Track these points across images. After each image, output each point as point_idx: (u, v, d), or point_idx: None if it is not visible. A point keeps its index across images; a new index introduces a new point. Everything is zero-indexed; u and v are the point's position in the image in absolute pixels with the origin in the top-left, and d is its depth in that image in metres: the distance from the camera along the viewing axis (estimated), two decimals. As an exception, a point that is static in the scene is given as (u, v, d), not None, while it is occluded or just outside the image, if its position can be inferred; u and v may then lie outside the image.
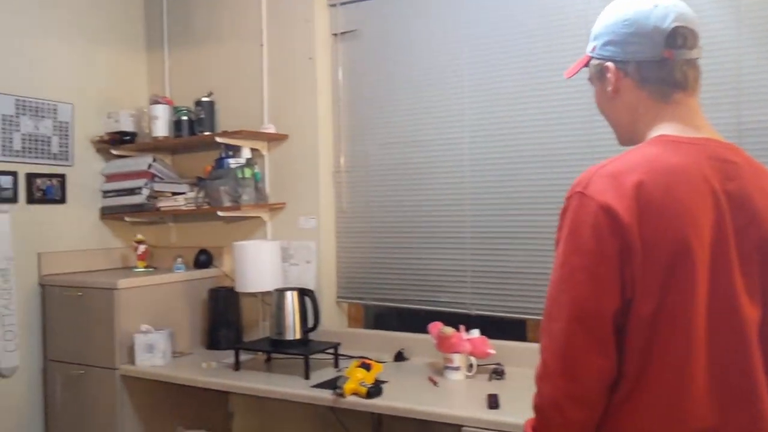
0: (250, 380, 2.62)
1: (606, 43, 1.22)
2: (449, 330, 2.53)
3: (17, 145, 3.14)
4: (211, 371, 2.79)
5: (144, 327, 2.93)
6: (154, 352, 2.88)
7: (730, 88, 2.33)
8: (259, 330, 3.24)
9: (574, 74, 1.32)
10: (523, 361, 2.65)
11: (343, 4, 3.19)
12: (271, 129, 3.21)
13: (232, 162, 3.14)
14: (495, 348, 2.59)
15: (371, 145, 3.13)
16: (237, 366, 2.77)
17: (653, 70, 1.17)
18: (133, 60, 3.68)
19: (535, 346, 2.64)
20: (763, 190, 1.13)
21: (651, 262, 1.03)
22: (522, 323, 2.85)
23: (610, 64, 1.22)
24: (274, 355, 2.91)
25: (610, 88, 1.23)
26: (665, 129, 1.17)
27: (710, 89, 2.19)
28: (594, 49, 1.25)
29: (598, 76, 1.25)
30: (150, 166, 3.35)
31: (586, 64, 1.29)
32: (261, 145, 3.28)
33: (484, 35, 2.83)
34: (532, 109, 2.73)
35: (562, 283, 1.10)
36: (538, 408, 1.14)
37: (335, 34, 3.22)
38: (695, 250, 1.04)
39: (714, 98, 2.31)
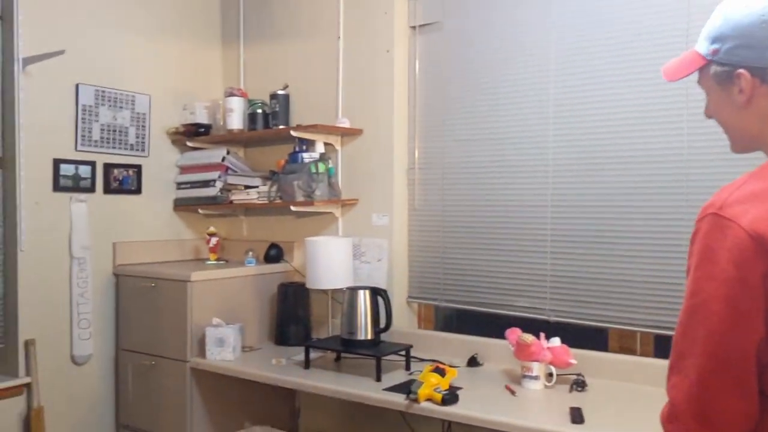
0: (321, 379, 2.57)
1: (737, 47, 1.08)
2: (529, 337, 2.42)
3: (96, 135, 3.18)
4: (281, 368, 2.75)
5: (215, 320, 2.91)
6: (224, 346, 2.86)
7: None
8: (328, 327, 3.20)
9: (680, 78, 1.19)
10: (604, 372, 2.53)
11: (422, -5, 3.10)
12: (345, 123, 3.16)
13: (306, 156, 3.10)
14: (576, 357, 2.46)
15: (448, 141, 3.03)
16: (307, 364, 2.72)
17: None
18: (209, 53, 3.68)
19: (617, 357, 2.53)
20: None
21: None
22: (603, 332, 2.71)
23: (743, 70, 1.08)
24: (343, 355, 2.85)
25: (742, 97, 1.10)
26: None
27: None
28: (716, 52, 1.11)
29: (724, 82, 1.12)
30: (224, 158, 3.34)
31: (700, 68, 1.16)
32: (335, 140, 3.23)
33: (574, 26, 2.69)
34: (622, 106, 2.58)
35: (694, 314, 1.00)
36: None
37: (414, 27, 3.13)
38: None
39: None
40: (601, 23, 2.62)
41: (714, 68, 1.13)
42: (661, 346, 2.57)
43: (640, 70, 2.53)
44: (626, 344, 2.66)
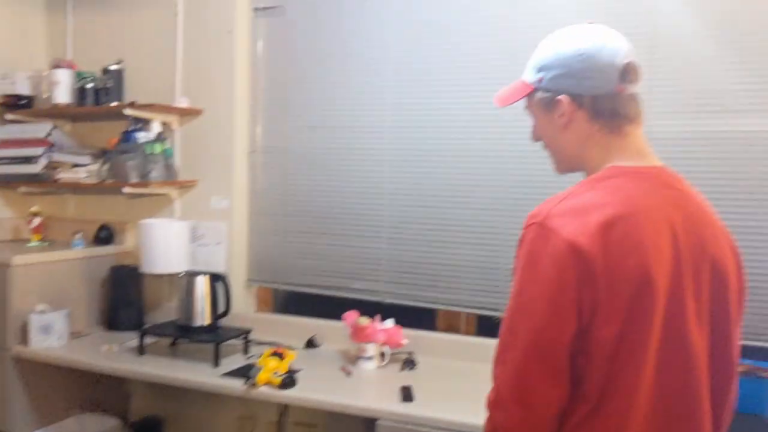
0: (156, 366, 2.53)
1: (557, 76, 1.22)
2: (365, 320, 2.54)
3: None
4: (112, 355, 2.67)
5: (40, 307, 2.76)
6: (50, 333, 2.73)
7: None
8: (163, 311, 3.13)
9: (510, 104, 1.31)
10: (433, 350, 2.71)
11: (266, -22, 3.08)
12: (184, 103, 3.08)
13: (141, 136, 2.98)
14: (407, 337, 2.62)
15: (291, 126, 3.06)
16: (141, 350, 2.66)
17: (607, 104, 1.19)
18: (31, 18, 3.40)
19: (444, 336, 2.72)
20: (706, 218, 1.19)
21: (615, 291, 1.07)
22: (432, 312, 2.90)
23: (563, 97, 1.22)
24: (181, 341, 2.82)
25: (562, 121, 1.23)
26: (618, 160, 1.20)
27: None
28: (541, 80, 1.24)
29: (547, 106, 1.25)
30: (49, 134, 3.13)
31: (527, 95, 1.28)
32: (172, 119, 3.14)
33: (412, 17, 2.80)
34: (453, 103, 2.75)
35: (519, 311, 1.11)
36: None
37: (256, 9, 3.10)
38: (656, 278, 1.08)
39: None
40: (436, 27, 2.76)
41: (539, 94, 1.26)
42: (482, 326, 2.80)
43: (469, 72, 2.71)
44: (452, 324, 2.87)
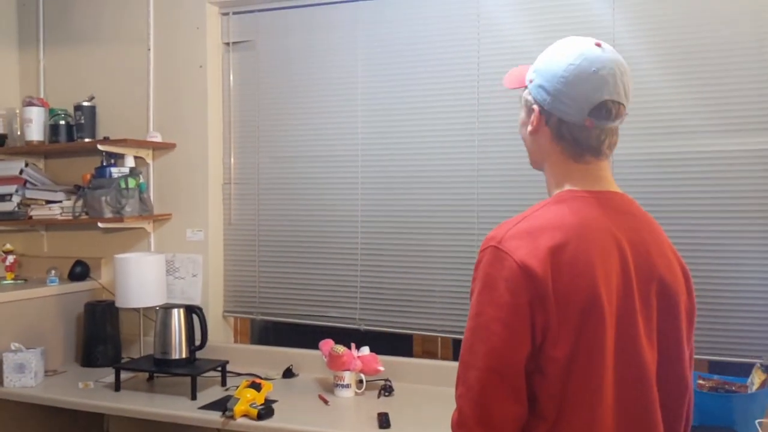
0: (133, 402, 2.52)
1: (540, 86, 1.24)
2: (341, 348, 2.56)
3: None
4: (88, 391, 2.66)
5: (14, 345, 2.74)
6: (24, 372, 2.70)
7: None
8: (140, 346, 3.12)
9: (512, 88, 1.34)
10: (409, 376, 2.73)
11: (236, 13, 3.13)
12: (157, 137, 3.10)
13: (115, 171, 3.00)
14: (384, 364, 2.64)
15: (263, 157, 3.09)
16: (117, 386, 2.65)
17: (571, 131, 1.22)
18: (3, 56, 3.42)
19: (420, 361, 2.74)
20: (657, 241, 1.23)
21: (565, 311, 1.10)
22: (408, 338, 2.93)
23: (536, 107, 1.25)
24: (158, 375, 2.81)
25: (530, 127, 1.28)
26: (575, 184, 1.23)
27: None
28: (531, 81, 1.27)
29: (526, 108, 1.29)
30: (22, 171, 3.14)
31: (525, 87, 1.31)
32: (146, 154, 3.16)
33: (380, 55, 2.87)
34: (422, 131, 2.81)
35: (477, 332, 1.14)
36: None
37: (227, 43, 3.15)
38: (604, 300, 1.11)
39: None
40: (404, 59, 2.83)
41: (525, 93, 1.30)
42: (458, 350, 2.82)
43: (437, 101, 2.77)
44: (428, 348, 2.89)
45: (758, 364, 2.25)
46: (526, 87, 1.29)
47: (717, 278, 2.40)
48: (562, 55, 1.22)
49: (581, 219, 1.16)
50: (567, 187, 1.24)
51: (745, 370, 2.29)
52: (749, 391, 2.18)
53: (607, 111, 1.19)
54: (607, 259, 1.14)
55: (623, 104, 1.21)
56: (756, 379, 2.19)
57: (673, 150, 2.46)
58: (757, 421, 2.11)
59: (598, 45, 1.22)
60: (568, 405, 1.12)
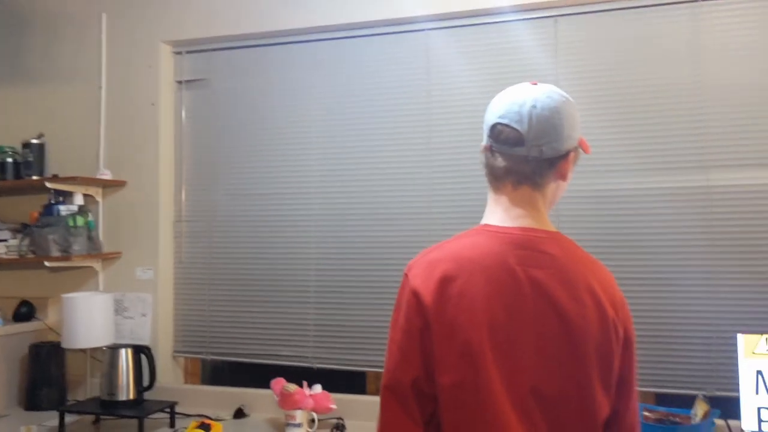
0: (77, 446, 2.46)
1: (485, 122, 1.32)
2: (292, 387, 2.53)
3: None
4: (31, 436, 2.58)
5: (-48, 389, 2.65)
6: (-37, 417, 2.61)
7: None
8: (87, 388, 3.04)
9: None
10: (363, 413, 2.71)
11: (189, 52, 3.15)
12: (107, 175, 3.08)
13: (63, 209, 2.96)
14: (336, 402, 2.62)
15: (216, 195, 3.09)
16: (62, 429, 2.58)
17: (486, 157, 1.29)
18: (-50, 92, 3.37)
19: (374, 399, 2.73)
20: (568, 280, 1.21)
21: (448, 342, 1.15)
22: (362, 375, 2.92)
23: (484, 144, 1.31)
24: (104, 417, 2.74)
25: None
26: (491, 218, 1.28)
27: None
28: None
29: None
30: (-34, 209, 3.07)
31: None
32: (95, 191, 3.13)
33: (335, 96, 2.92)
34: (376, 171, 2.85)
35: (386, 352, 1.23)
36: None
37: (180, 81, 3.17)
38: (487, 333, 1.15)
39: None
40: (357, 98, 2.88)
41: None
42: (411, 386, 2.82)
43: (389, 139, 2.82)
44: (382, 386, 2.88)
45: (701, 396, 2.31)
46: None
47: (658, 312, 2.46)
48: (497, 98, 1.31)
49: (478, 254, 1.20)
50: (485, 222, 1.29)
51: (687, 402, 2.35)
52: (692, 422, 2.23)
53: (497, 132, 1.25)
54: (498, 294, 1.17)
55: (519, 131, 1.22)
56: (699, 410, 2.25)
57: (611, 187, 2.55)
58: (700, 451, 2.15)
59: (534, 84, 1.28)
60: (464, 428, 1.15)
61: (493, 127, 1.26)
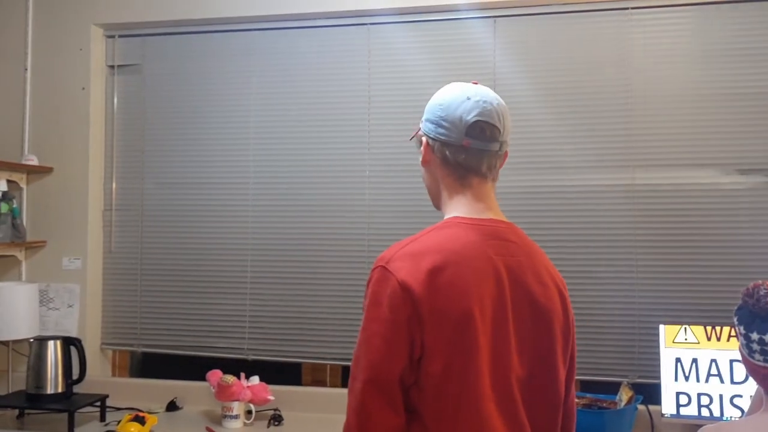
0: (2, 441, 2.36)
1: (426, 120, 1.36)
2: (230, 378, 2.52)
3: None
4: (-51, 433, 2.46)
5: None
6: None
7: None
8: (8, 383, 2.91)
9: (411, 138, 1.45)
10: (299, 404, 2.72)
11: (122, 36, 3.06)
12: (33, 161, 2.95)
13: (-15, 195, 2.82)
14: (273, 393, 2.62)
15: (148, 183, 3.02)
16: (-17, 425, 2.47)
17: (454, 153, 1.32)
18: None
19: (310, 390, 2.75)
20: (532, 266, 1.32)
21: (439, 328, 1.18)
22: (298, 367, 2.92)
23: (424, 138, 1.36)
24: (30, 411, 2.64)
25: (423, 159, 1.38)
26: (459, 210, 1.33)
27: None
28: (422, 121, 1.39)
29: (418, 145, 1.40)
30: None
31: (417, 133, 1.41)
32: (19, 177, 2.99)
33: (274, 84, 2.91)
34: (314, 161, 2.85)
35: (363, 345, 1.22)
36: None
37: (112, 66, 3.07)
38: (477, 319, 1.20)
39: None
40: (296, 85, 2.88)
41: (419, 133, 1.39)
42: (347, 377, 2.85)
43: (329, 127, 2.84)
44: (318, 377, 2.90)
45: (625, 382, 2.44)
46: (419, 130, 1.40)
47: (586, 304, 2.59)
48: (442, 92, 1.36)
49: (461, 245, 1.24)
50: (454, 215, 1.33)
51: (614, 388, 2.48)
52: (618, 407, 2.36)
53: (480, 130, 1.30)
54: (483, 283, 1.23)
55: (497, 127, 1.31)
56: (624, 396, 2.38)
57: (541, 183, 2.66)
58: (625, 434, 2.28)
59: (475, 83, 1.36)
60: (448, 416, 1.19)
61: (474, 124, 1.29)
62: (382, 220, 2.77)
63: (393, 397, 1.18)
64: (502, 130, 1.32)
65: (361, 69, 2.83)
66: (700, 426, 2.33)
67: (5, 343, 2.86)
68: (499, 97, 1.35)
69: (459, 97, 1.32)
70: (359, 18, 2.82)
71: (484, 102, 1.31)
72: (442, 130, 1.32)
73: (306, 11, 2.84)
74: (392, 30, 2.81)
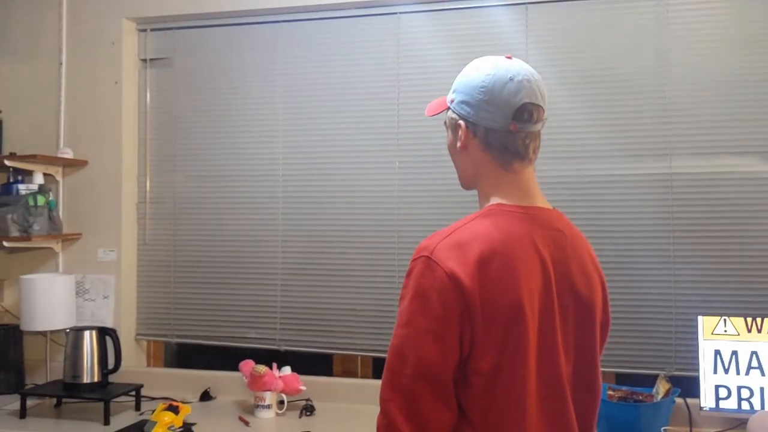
0: (40, 429, 2.40)
1: (462, 102, 1.28)
2: (262, 368, 2.53)
3: None
4: (-10, 421, 2.51)
5: None
6: None
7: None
8: (46, 372, 2.96)
9: (434, 115, 1.37)
10: (331, 395, 2.73)
11: (154, 30, 3.08)
12: (68, 154, 2.99)
13: (23, 188, 2.88)
14: (305, 384, 2.63)
15: (180, 175, 3.04)
16: (23, 413, 2.52)
17: (499, 138, 1.25)
18: None
19: (341, 381, 2.75)
20: (578, 256, 1.28)
21: (490, 324, 1.13)
22: (329, 358, 2.92)
23: (462, 122, 1.29)
24: (67, 401, 2.68)
25: (459, 144, 1.30)
26: (503, 198, 1.27)
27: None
28: (453, 101, 1.31)
29: (452, 127, 1.33)
30: None
31: (447, 109, 1.34)
32: (55, 170, 3.04)
33: (301, 75, 2.90)
34: (343, 152, 2.84)
35: (408, 340, 1.15)
36: None
37: (144, 60, 3.10)
38: (527, 314, 1.15)
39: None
40: (325, 76, 2.87)
41: (449, 113, 1.33)
42: (379, 368, 2.85)
43: (358, 118, 2.82)
44: (349, 368, 2.90)
45: (662, 375, 2.39)
46: (448, 109, 1.33)
47: (623, 295, 2.54)
48: (477, 70, 1.28)
49: (507, 234, 1.19)
50: (496, 201, 1.27)
51: (650, 380, 2.43)
52: (655, 401, 2.31)
53: (528, 113, 1.24)
54: (531, 274, 1.18)
55: (542, 107, 1.26)
56: (661, 388, 2.33)
57: (577, 173, 2.61)
58: (662, 428, 2.23)
59: (509, 57, 1.29)
60: (494, 413, 1.15)
61: (523, 107, 1.23)
62: (412, 210, 2.75)
63: (447, 394, 1.13)
64: (545, 108, 1.27)
65: (390, 59, 2.80)
66: (740, 420, 2.28)
67: (43, 334, 2.91)
68: (534, 70, 1.28)
69: (501, 78, 1.24)
70: (388, 7, 2.80)
71: (528, 81, 1.24)
72: (485, 114, 1.25)
73: (334, 1, 2.82)
74: (422, 19, 2.78)
